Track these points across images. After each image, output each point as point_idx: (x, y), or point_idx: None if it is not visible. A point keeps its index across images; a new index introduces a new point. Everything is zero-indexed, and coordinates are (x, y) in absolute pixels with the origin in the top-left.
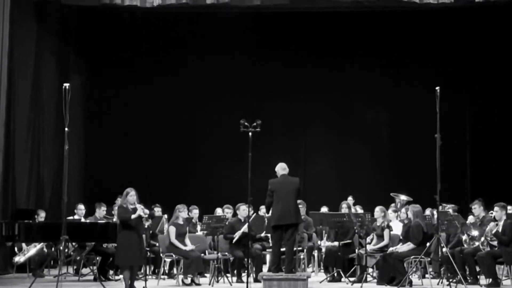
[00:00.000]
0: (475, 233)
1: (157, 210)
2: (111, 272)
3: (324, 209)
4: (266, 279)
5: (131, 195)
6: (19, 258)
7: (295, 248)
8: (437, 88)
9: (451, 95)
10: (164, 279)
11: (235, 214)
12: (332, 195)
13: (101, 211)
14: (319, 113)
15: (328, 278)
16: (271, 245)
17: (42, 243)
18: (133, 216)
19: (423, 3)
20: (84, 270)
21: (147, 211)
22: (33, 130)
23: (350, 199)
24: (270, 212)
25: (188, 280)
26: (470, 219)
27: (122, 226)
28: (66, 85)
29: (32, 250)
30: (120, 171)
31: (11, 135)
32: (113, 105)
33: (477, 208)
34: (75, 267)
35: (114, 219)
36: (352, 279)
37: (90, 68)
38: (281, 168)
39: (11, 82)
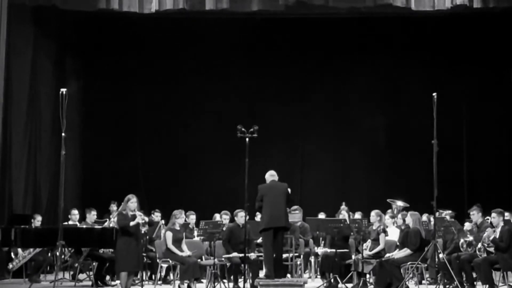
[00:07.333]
0: (471, 238)
1: (157, 215)
2: (108, 277)
3: (321, 216)
4: (263, 285)
5: (132, 201)
6: (15, 264)
7: (291, 254)
8: (434, 94)
9: (448, 101)
10: (160, 284)
11: (232, 220)
12: (329, 201)
13: (91, 216)
14: (316, 118)
15: (325, 284)
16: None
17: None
18: (131, 223)
19: (419, 10)
20: (81, 276)
21: (146, 219)
22: (30, 135)
23: (343, 207)
24: (260, 216)
25: (185, 286)
26: (467, 225)
27: (121, 232)
28: (63, 90)
29: (26, 257)
30: (117, 176)
31: (7, 140)
32: (110, 110)
33: (475, 214)
34: (71, 272)
35: (106, 224)
36: (349, 285)
37: (87, 73)
38: (270, 175)
39: (8, 86)
